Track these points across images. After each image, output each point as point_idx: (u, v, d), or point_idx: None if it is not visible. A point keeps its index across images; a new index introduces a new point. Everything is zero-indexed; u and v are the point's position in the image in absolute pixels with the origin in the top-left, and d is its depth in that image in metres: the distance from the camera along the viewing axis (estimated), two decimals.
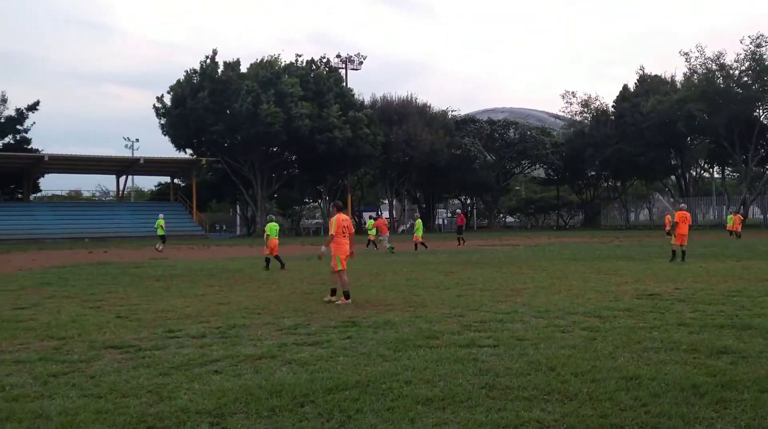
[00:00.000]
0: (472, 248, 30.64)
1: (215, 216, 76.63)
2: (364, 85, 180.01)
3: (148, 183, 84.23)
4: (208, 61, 58.51)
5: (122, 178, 67.67)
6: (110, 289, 14.42)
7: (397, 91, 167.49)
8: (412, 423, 4.72)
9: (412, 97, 69.86)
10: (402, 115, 66.38)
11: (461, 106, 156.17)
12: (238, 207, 79.87)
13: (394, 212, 76.28)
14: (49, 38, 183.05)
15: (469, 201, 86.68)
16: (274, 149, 62.46)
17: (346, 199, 69.62)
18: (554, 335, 7.93)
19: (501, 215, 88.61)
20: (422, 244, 30.53)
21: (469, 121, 74.18)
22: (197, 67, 58.89)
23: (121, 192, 69.92)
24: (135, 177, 75.84)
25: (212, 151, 61.64)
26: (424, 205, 79.64)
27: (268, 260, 20.06)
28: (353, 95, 63.55)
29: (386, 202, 78.86)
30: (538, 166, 78.18)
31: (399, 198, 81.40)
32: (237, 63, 59.14)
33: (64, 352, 7.35)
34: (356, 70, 68.07)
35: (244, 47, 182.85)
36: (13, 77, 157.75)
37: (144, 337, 8.30)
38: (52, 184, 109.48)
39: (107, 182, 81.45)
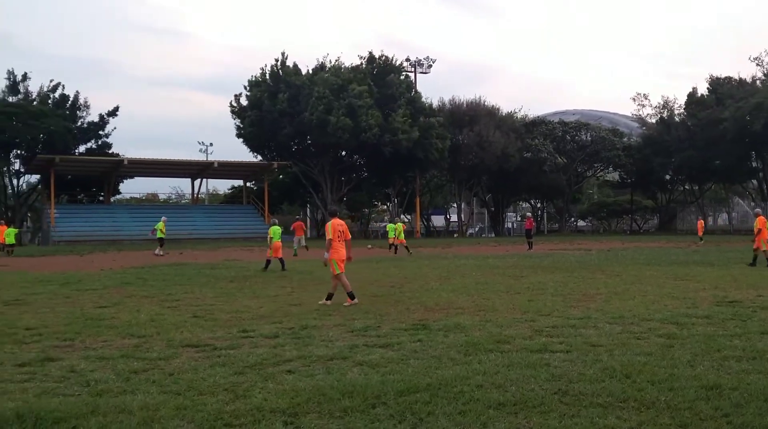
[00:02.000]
0: (542, 252, 30.22)
1: (286, 218, 77.80)
2: (432, 88, 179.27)
3: (221, 186, 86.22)
4: (278, 64, 59.61)
5: (197, 182, 69.47)
6: (186, 289, 14.83)
7: (466, 93, 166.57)
8: (483, 427, 4.70)
9: (481, 100, 69.38)
10: (472, 118, 66.04)
11: (531, 109, 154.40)
12: (308, 209, 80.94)
13: (462, 216, 75.83)
14: (127, 46, 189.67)
15: (539, 205, 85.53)
16: (343, 153, 63.11)
17: (414, 202, 69.77)
18: (629, 342, 7.76)
19: (572, 219, 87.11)
20: (401, 247, 30.42)
21: (539, 123, 73.22)
22: (267, 70, 60.15)
23: (195, 195, 71.77)
24: (209, 180, 77.73)
25: (283, 155, 62.72)
26: (493, 209, 79.00)
27: (268, 262, 20.67)
28: (422, 99, 63.61)
29: (455, 205, 78.49)
30: (611, 169, 76.53)
31: (468, 201, 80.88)
32: (302, 70, 60.10)
33: (144, 350, 7.61)
34: (425, 73, 68.01)
35: (313, 50, 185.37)
36: (94, 83, 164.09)
37: (219, 336, 8.51)
38: (131, 187, 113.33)
39: (182, 185, 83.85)
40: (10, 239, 34.81)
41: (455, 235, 72.21)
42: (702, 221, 43.08)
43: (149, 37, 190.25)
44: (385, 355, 7.16)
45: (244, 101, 61.60)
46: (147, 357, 7.18)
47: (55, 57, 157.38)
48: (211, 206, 74.23)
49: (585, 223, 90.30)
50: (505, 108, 72.13)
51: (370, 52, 62.69)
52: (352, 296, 11.94)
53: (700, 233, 39.56)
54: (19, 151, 60.92)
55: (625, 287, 14.02)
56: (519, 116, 72.37)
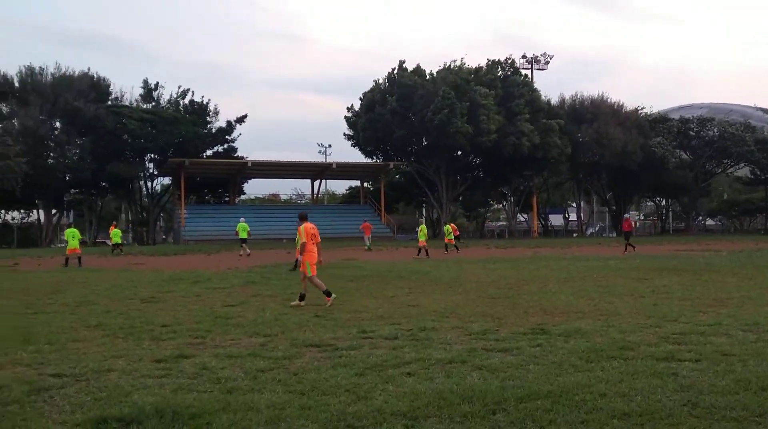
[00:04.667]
0: (668, 253, 28.96)
1: (402, 218, 78.41)
2: (549, 84, 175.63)
3: (340, 186, 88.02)
4: (396, 70, 60.29)
5: (316, 182, 71.26)
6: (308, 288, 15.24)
7: (585, 89, 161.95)
8: None
9: (603, 96, 67.38)
10: (593, 115, 64.29)
11: (654, 103, 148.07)
12: (424, 209, 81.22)
13: (581, 214, 73.82)
14: (251, 51, 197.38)
15: (663, 203, 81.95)
16: (460, 153, 62.96)
17: (531, 201, 68.58)
18: (765, 351, 7.32)
19: (700, 218, 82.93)
20: (425, 250, 29.88)
21: (662, 119, 70.17)
22: (384, 73, 61.14)
23: (315, 195, 73.65)
24: (328, 181, 79.51)
25: (398, 156, 63.31)
26: (614, 207, 76.42)
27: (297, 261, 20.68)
28: (541, 98, 62.61)
29: (574, 204, 76.54)
30: (742, 165, 72.22)
31: (587, 200, 78.68)
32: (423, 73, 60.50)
33: (270, 349, 7.90)
34: (542, 70, 66.98)
35: (430, 50, 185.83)
36: (220, 87, 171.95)
37: (340, 336, 8.72)
38: (255, 188, 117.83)
39: (302, 186, 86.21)
40: (117, 239, 37.62)
41: (574, 235, 70.45)
42: None
43: (270, 41, 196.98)
44: (504, 359, 7.11)
45: (357, 108, 62.78)
46: (272, 356, 7.46)
47: (182, 64, 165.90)
48: (330, 206, 75.89)
49: (714, 222, 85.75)
50: (628, 103, 69.45)
51: (493, 60, 62.54)
52: (328, 294, 12.26)
53: None
54: (153, 155, 64.75)
55: (759, 292, 13.24)
56: (643, 113, 69.60)
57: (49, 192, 61.57)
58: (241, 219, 34.73)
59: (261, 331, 9.14)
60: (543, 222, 78.31)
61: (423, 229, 31.44)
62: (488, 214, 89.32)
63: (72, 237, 26.82)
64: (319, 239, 13.07)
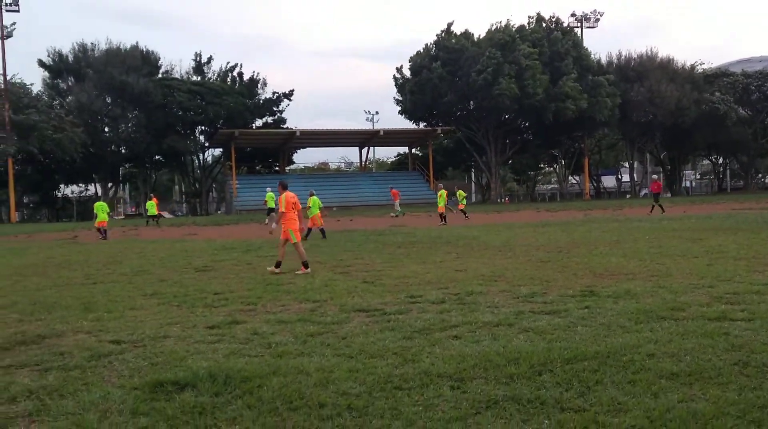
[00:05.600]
0: (725, 213, 28.25)
1: (451, 183, 78.13)
2: (599, 42, 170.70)
3: (388, 153, 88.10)
4: (444, 33, 59.57)
5: (364, 150, 71.39)
6: (356, 255, 15.41)
7: (637, 46, 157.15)
8: (655, 397, 4.56)
9: (652, 52, 65.44)
10: (642, 72, 62.55)
11: (712, 59, 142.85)
12: (473, 174, 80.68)
13: (635, 175, 72.34)
14: (295, 21, 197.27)
15: (721, 161, 79.71)
16: (507, 117, 62.19)
17: (582, 163, 67.49)
18: None
19: (759, 176, 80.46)
20: (443, 217, 28.84)
21: (720, 74, 67.83)
22: (433, 39, 60.49)
23: (363, 163, 73.83)
24: (376, 148, 79.57)
25: (445, 121, 62.86)
26: (669, 167, 74.70)
27: (310, 230, 21.13)
28: (590, 57, 61.15)
29: (626, 164, 75.03)
30: None
31: (641, 160, 77.01)
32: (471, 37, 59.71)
33: (319, 314, 8.04)
34: (592, 27, 65.19)
35: (480, 13, 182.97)
36: (266, 58, 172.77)
37: (388, 301, 8.81)
38: (304, 157, 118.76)
39: (350, 154, 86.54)
40: (152, 211, 39.08)
41: (627, 196, 69.18)
42: None
43: (318, 10, 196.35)
44: (552, 322, 7.09)
45: (406, 73, 62.40)
46: (321, 321, 7.59)
47: (229, 35, 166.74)
48: (378, 173, 76.06)
49: None
50: (681, 59, 67.47)
51: (538, 13, 61.19)
52: (306, 265, 12.42)
53: None
54: (203, 127, 65.70)
55: None
56: (698, 68, 67.41)
57: (106, 166, 63.21)
58: (268, 189, 34.85)
59: (310, 298, 9.29)
60: (595, 184, 77.09)
61: (442, 195, 29.99)
62: (539, 178, 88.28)
63: (101, 210, 27.61)
64: (300, 207, 13.30)
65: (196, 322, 7.78)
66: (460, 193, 35.42)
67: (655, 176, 33.68)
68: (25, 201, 66.33)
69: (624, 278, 10.13)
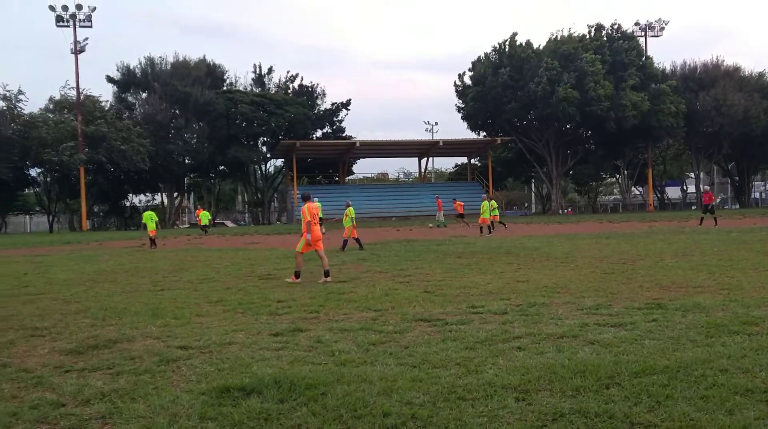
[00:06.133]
0: None
1: (511, 194, 77.44)
2: (664, 53, 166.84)
3: (446, 164, 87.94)
4: (507, 43, 59.26)
5: (423, 160, 71.39)
6: (417, 265, 15.40)
7: (701, 55, 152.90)
8: (729, 414, 4.42)
9: (718, 60, 63.73)
10: (708, 81, 60.91)
11: None
12: (533, 184, 79.81)
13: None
14: (358, 33, 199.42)
15: None
16: (568, 126, 61.36)
17: (646, 174, 66.05)
18: None
19: None
20: (486, 228, 28.07)
21: None
22: (492, 48, 60.26)
23: (422, 173, 73.82)
24: (435, 158, 79.48)
25: (505, 131, 62.41)
26: (737, 178, 72.39)
27: (345, 242, 21.24)
28: (654, 65, 59.86)
29: (692, 175, 73.07)
30: None
31: (707, 171, 74.87)
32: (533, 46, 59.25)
33: (381, 323, 8.06)
34: (657, 36, 63.88)
35: (539, 23, 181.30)
36: (327, 69, 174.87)
37: (450, 311, 8.78)
38: (363, 167, 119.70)
39: (408, 165, 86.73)
40: (205, 221, 40.70)
41: (693, 208, 67.36)
42: None
43: (377, 22, 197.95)
44: (618, 334, 6.95)
45: (467, 80, 62.24)
46: (383, 330, 7.61)
47: (291, 47, 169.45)
48: (437, 184, 75.95)
49: None
50: (751, 68, 65.44)
51: (598, 23, 60.34)
52: (297, 275, 12.87)
53: None
54: (265, 138, 66.86)
55: None
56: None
57: (171, 176, 64.85)
58: (315, 199, 35.31)
59: (372, 306, 9.33)
60: (659, 195, 75.28)
61: (484, 206, 29.08)
62: (600, 188, 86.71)
63: (150, 220, 28.48)
64: (320, 217, 13.79)
65: (261, 329, 7.90)
66: (491, 203, 31.43)
67: (707, 187, 32.73)
68: (95, 210, 68.57)
69: (692, 291, 9.86)
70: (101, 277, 14.93)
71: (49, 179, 62.47)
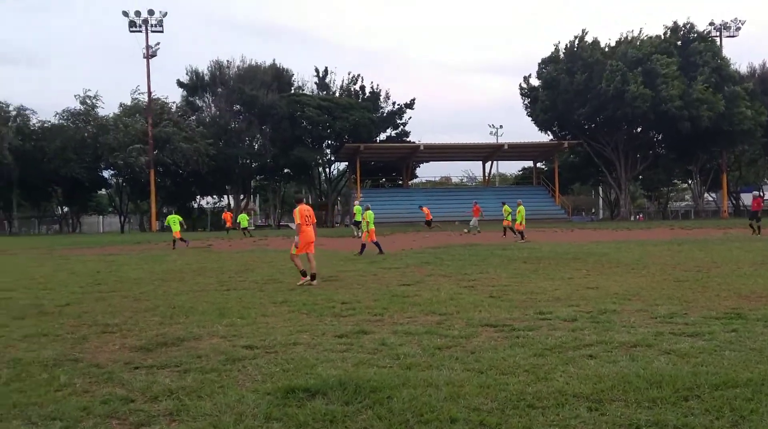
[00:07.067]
0: None
1: (577, 199, 76.04)
2: (741, 54, 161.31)
3: (512, 168, 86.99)
4: (576, 40, 58.18)
5: (488, 164, 70.78)
6: (481, 269, 15.20)
7: None
8: None
9: None
10: None
11: None
12: (600, 189, 78.21)
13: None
14: (420, 38, 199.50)
15: None
16: (638, 129, 59.84)
17: (720, 179, 63.90)
18: None
19: None
20: (520, 233, 27.26)
21: None
22: (562, 47, 59.24)
23: (486, 177, 73.19)
24: (499, 162, 78.70)
25: (573, 134, 61.32)
26: None
27: (363, 246, 20.87)
28: (729, 66, 57.80)
29: None
30: None
31: None
32: (601, 44, 58.10)
33: (446, 327, 7.93)
34: (733, 36, 61.73)
35: (609, 21, 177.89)
36: (389, 72, 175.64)
37: (516, 317, 8.58)
38: (426, 171, 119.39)
39: (473, 168, 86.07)
40: (244, 223, 42.37)
41: None
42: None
43: (440, 28, 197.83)
44: (695, 344, 6.65)
45: (533, 81, 61.40)
46: (449, 334, 7.48)
47: (354, 50, 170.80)
48: (502, 188, 75.16)
49: None
50: None
51: (675, 22, 58.63)
52: (304, 274, 12.95)
53: None
54: (329, 142, 67.45)
55: None
56: None
57: (237, 178, 66.07)
58: (356, 202, 36.78)
59: (436, 310, 9.22)
60: (734, 201, 72.71)
61: (521, 211, 27.96)
62: (672, 194, 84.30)
63: (173, 222, 29.34)
64: (315, 220, 13.73)
65: (325, 331, 7.88)
66: (505, 208, 31.86)
67: (756, 193, 31.31)
68: (164, 211, 70.53)
69: None
70: (169, 276, 15.24)
71: (120, 181, 64.56)
